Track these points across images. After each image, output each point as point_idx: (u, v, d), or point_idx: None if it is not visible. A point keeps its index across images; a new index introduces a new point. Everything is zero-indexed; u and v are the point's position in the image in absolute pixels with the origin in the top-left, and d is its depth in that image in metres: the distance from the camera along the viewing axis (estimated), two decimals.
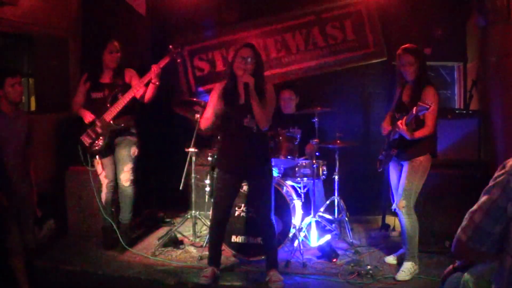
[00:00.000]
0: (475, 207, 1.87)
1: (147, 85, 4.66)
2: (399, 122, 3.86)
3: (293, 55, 5.92)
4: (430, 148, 4.02)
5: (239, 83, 3.85)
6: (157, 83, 4.66)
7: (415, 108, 3.67)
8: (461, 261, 2.21)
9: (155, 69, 4.60)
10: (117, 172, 4.83)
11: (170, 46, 4.74)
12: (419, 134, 3.88)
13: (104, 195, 4.84)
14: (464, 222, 1.89)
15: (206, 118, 3.94)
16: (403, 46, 4.08)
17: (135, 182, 4.87)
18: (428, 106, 3.58)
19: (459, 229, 1.89)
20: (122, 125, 4.70)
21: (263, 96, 3.82)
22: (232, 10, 5.99)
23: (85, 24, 6.00)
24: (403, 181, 4.03)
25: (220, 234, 4.10)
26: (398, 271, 4.03)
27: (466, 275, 2.15)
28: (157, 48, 6.09)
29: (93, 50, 5.33)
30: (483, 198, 1.85)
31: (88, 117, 4.64)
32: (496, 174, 1.84)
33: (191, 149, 4.66)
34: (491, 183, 1.84)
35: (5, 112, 3.91)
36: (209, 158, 4.86)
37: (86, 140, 4.68)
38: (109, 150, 4.77)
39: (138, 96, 4.70)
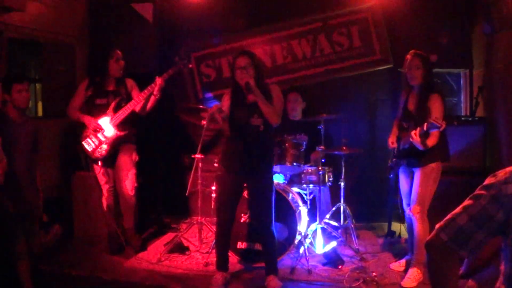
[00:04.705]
0: (459, 210, 1.88)
1: (148, 97, 4.69)
2: (412, 133, 3.79)
3: (299, 61, 5.92)
4: (440, 155, 4.00)
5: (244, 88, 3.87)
6: (158, 96, 4.70)
7: (425, 124, 3.63)
8: (465, 267, 2.22)
9: (159, 81, 4.63)
10: (120, 179, 4.79)
11: (176, 59, 4.76)
12: (430, 142, 3.85)
13: (105, 200, 4.83)
14: (444, 223, 1.90)
15: None
16: (412, 50, 4.09)
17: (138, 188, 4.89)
18: (439, 125, 3.53)
19: (439, 228, 1.90)
20: (126, 132, 4.72)
21: (269, 96, 3.87)
22: (239, 16, 6.01)
23: (92, 30, 6.06)
24: (416, 187, 4.02)
25: (226, 237, 4.10)
26: (403, 278, 4.01)
27: (471, 282, 2.14)
28: (164, 55, 6.14)
29: (100, 56, 5.35)
30: (469, 203, 1.86)
31: (93, 123, 4.61)
32: (486, 183, 1.84)
33: (197, 155, 4.67)
34: (480, 190, 1.85)
35: (12, 118, 3.95)
36: (215, 164, 4.87)
37: (89, 145, 4.66)
38: (110, 157, 4.77)
39: (138, 110, 4.74)
